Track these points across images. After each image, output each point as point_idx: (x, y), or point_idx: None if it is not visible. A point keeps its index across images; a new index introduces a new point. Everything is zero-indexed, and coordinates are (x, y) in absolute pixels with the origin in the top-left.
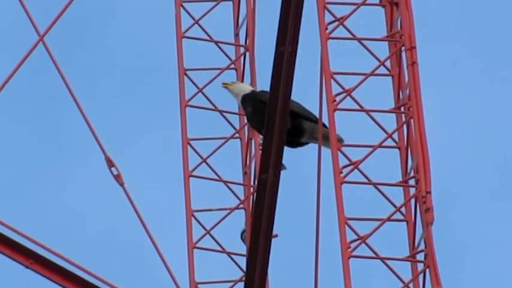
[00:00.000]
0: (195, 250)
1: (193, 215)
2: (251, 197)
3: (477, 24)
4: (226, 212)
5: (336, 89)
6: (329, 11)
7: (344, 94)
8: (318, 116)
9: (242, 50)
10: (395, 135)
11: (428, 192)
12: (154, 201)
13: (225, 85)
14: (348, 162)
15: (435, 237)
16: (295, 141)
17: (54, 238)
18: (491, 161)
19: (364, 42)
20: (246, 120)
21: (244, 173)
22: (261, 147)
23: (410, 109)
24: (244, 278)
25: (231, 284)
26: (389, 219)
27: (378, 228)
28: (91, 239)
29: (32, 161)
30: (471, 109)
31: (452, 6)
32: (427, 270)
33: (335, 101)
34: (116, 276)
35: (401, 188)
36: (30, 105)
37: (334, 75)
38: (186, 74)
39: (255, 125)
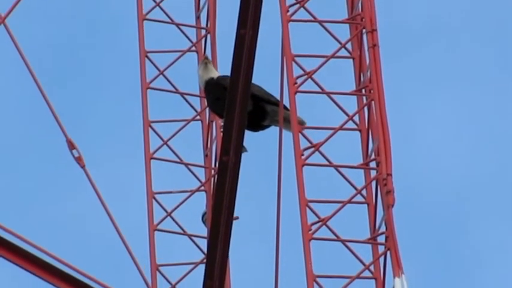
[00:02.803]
0: (156, 232)
1: (154, 197)
2: (212, 179)
3: (493, 23)
4: (187, 194)
5: (297, 71)
6: None
7: (305, 76)
8: (279, 99)
9: (203, 32)
10: (356, 118)
11: (389, 175)
12: (116, 184)
13: (206, 60)
14: (309, 145)
15: (454, 242)
16: (258, 124)
17: (15, 221)
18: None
19: (325, 24)
20: (206, 103)
21: (205, 155)
22: (222, 130)
23: (372, 91)
24: (205, 261)
25: (192, 266)
26: (350, 201)
27: (338, 210)
28: (52, 220)
29: None
30: (489, 110)
31: (468, 4)
32: (388, 253)
33: (296, 83)
34: (76, 258)
35: (363, 171)
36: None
37: (295, 58)
38: (147, 56)
39: (217, 111)
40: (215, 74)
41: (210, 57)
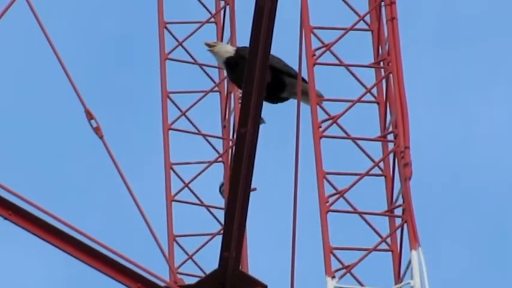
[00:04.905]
0: (173, 203)
1: (172, 168)
2: (230, 150)
3: None
4: (205, 165)
5: (315, 43)
6: None
7: (324, 49)
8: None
9: (222, 3)
10: (374, 91)
11: (407, 147)
12: (133, 154)
13: (210, 49)
14: (326, 117)
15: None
16: (276, 96)
17: (33, 191)
18: None
19: None
20: (225, 74)
21: (223, 127)
22: (240, 101)
23: (390, 64)
24: (222, 232)
25: (209, 237)
26: (367, 174)
27: (356, 182)
28: (70, 191)
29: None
30: None
31: None
32: (405, 225)
33: (314, 55)
34: (94, 229)
35: (380, 143)
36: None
37: (314, 30)
38: (166, 27)
39: (237, 82)
40: (230, 49)
41: (216, 40)
